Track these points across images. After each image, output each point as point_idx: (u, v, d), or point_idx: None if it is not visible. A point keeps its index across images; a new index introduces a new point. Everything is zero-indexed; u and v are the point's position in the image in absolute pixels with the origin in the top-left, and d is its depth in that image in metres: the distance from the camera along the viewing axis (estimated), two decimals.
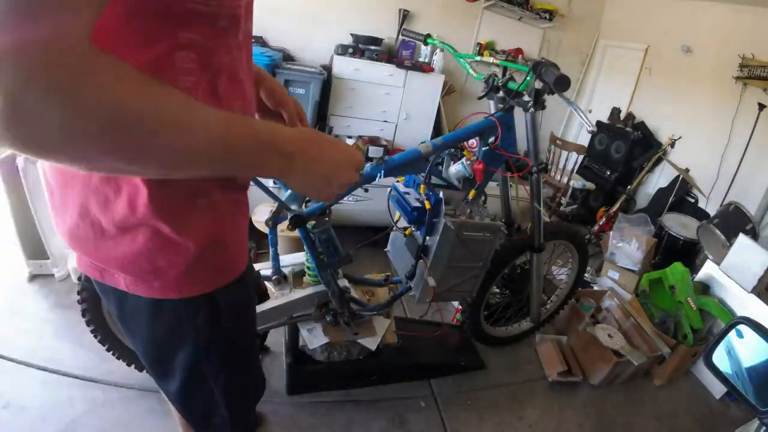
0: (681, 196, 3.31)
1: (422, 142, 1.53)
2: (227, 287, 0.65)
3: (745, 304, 1.96)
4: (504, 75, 1.57)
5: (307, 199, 1.41)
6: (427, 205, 1.43)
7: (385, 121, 3.78)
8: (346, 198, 1.55)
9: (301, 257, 1.64)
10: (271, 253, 1.50)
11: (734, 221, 2.41)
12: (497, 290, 2.03)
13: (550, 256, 2.03)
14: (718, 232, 2.34)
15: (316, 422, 1.59)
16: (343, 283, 1.53)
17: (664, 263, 2.43)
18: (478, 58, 3.69)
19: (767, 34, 2.97)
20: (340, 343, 1.64)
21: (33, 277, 2.05)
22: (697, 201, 3.31)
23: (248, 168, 0.53)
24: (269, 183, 2.11)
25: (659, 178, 3.67)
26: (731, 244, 2.08)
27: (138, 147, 0.39)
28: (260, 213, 2.21)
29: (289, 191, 1.41)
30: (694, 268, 2.40)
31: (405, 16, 3.95)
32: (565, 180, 3.50)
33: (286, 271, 1.60)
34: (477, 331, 1.98)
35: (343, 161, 0.62)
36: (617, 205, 3.32)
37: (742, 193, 2.94)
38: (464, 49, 4.13)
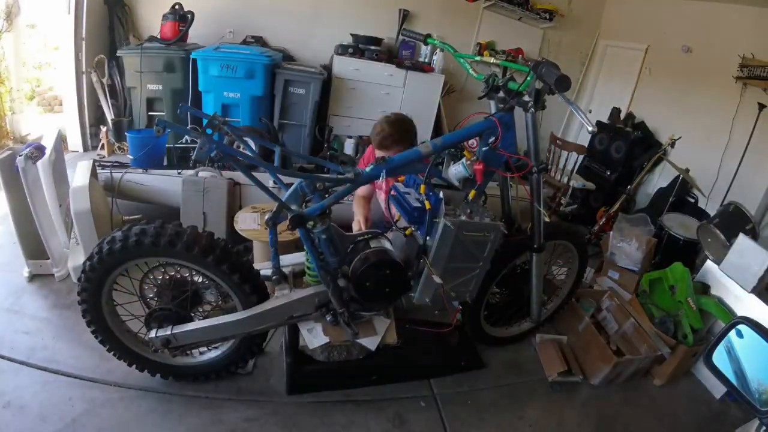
0: (681, 196, 3.29)
1: (422, 142, 1.53)
2: None
3: (745, 304, 1.95)
4: (504, 75, 1.57)
5: (307, 198, 1.41)
6: (427, 205, 1.43)
7: None
8: (346, 198, 1.55)
9: (301, 257, 1.64)
10: (271, 253, 1.50)
11: (734, 221, 2.40)
12: (497, 290, 2.03)
13: (550, 256, 2.03)
14: (718, 232, 2.33)
15: (316, 422, 1.59)
16: (343, 283, 1.52)
17: (664, 263, 2.42)
18: (478, 58, 3.69)
19: (767, 34, 2.97)
20: (340, 343, 1.64)
21: (33, 277, 2.05)
22: (697, 201, 3.30)
23: None
24: (269, 183, 2.11)
25: (659, 178, 3.66)
26: (731, 244, 2.07)
27: None
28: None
29: (290, 191, 1.41)
30: (694, 268, 2.39)
31: (405, 16, 3.95)
32: (565, 180, 3.49)
33: (286, 271, 1.60)
34: (477, 331, 1.98)
35: None
36: (617, 205, 3.32)
37: (742, 193, 2.93)
38: (464, 49, 4.13)
